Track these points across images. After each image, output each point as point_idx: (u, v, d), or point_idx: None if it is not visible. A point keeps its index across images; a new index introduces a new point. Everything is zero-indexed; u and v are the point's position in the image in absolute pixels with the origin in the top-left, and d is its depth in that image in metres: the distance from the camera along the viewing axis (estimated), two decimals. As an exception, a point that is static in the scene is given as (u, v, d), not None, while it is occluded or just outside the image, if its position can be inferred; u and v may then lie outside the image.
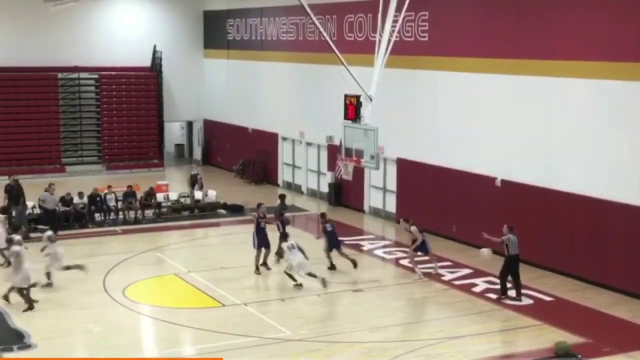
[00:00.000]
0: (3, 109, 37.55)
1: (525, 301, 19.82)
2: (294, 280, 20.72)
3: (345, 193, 30.97)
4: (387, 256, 24.15)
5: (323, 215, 23.43)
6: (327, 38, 22.31)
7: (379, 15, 21.09)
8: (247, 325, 18.19)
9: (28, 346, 16.84)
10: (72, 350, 17.03)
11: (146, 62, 40.45)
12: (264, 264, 22.33)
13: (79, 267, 21.11)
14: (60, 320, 18.52)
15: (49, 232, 21.62)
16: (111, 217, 28.52)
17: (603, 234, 20.92)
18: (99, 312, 19.09)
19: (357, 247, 25.07)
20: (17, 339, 17.18)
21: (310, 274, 20.67)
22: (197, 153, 42.56)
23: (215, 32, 40.73)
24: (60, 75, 38.62)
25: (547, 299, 20.13)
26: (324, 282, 20.62)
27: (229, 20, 39.42)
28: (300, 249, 20.99)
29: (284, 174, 35.47)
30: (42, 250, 20.94)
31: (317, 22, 22.26)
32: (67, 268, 20.95)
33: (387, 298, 20.43)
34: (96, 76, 39.36)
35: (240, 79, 38.95)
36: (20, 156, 37.36)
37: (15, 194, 26.75)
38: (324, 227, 22.45)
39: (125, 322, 18.61)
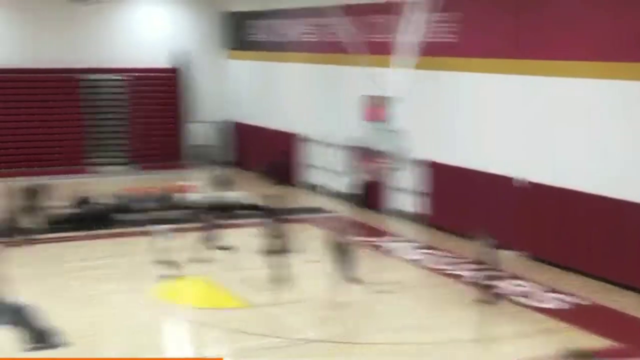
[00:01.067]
0: (27, 110, 37.87)
1: (552, 304, 19.73)
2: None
3: (370, 195, 30.89)
4: (412, 257, 24.07)
5: None
6: (353, 39, 22.35)
7: (405, 17, 21.08)
8: (271, 326, 18.24)
9: (57, 345, 16.91)
10: (100, 350, 17.09)
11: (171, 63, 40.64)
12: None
13: None
14: (88, 319, 18.63)
15: None
16: (139, 218, 28.64)
17: (624, 234, 20.73)
18: (127, 312, 19.23)
19: (379, 249, 25.05)
20: (47, 337, 17.28)
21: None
22: (223, 154, 42.67)
23: (240, 34, 40.82)
24: (83, 76, 38.86)
25: (584, 303, 19.97)
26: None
27: (253, 21, 39.49)
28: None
29: (307, 175, 35.46)
30: None
31: (343, 23, 22.31)
32: None
33: (413, 300, 20.39)
34: (120, 77, 39.62)
35: (264, 80, 39.03)
36: (43, 157, 37.73)
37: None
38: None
39: (152, 322, 18.65)
